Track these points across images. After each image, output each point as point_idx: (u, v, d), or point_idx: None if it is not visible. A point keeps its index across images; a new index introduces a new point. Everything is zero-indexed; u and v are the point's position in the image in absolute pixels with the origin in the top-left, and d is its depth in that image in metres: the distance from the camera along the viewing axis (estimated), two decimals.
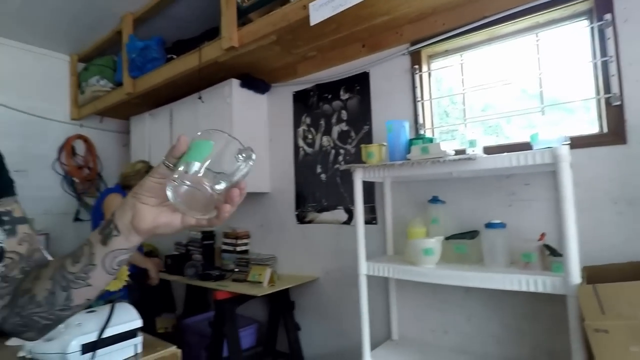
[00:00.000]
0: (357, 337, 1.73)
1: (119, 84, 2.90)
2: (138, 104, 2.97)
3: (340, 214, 2.18)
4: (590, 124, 1.54)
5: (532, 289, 1.28)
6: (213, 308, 2.78)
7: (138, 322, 1.07)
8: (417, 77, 1.88)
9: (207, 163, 0.47)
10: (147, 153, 2.98)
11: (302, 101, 2.40)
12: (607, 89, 1.41)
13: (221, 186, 0.48)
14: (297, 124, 2.43)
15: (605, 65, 1.42)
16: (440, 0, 1.68)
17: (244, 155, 0.49)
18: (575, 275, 1.22)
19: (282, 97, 2.51)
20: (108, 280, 0.56)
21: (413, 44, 1.90)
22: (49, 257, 0.63)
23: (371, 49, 2.05)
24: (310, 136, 2.35)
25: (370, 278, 1.67)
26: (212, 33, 2.38)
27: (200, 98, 2.44)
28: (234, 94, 2.39)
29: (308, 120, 2.37)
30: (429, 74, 1.92)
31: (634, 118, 1.36)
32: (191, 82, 2.50)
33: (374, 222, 2.01)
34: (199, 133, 0.50)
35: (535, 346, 1.53)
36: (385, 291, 1.94)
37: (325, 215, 2.25)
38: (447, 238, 1.61)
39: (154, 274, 2.38)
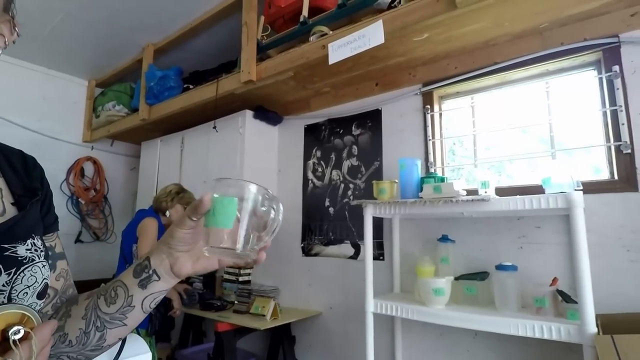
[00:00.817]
0: None
1: (134, 109, 2.97)
2: (151, 129, 3.04)
3: (347, 248, 2.16)
4: (595, 170, 1.56)
5: (546, 336, 1.25)
6: (209, 339, 2.70)
7: (148, 357, 1.04)
8: (428, 116, 1.93)
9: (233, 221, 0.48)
10: (156, 177, 3.01)
11: (314, 134, 2.45)
12: (617, 137, 1.45)
13: (256, 245, 0.49)
14: (307, 156, 2.46)
15: (615, 113, 1.46)
16: (453, 46, 1.76)
17: (274, 206, 0.50)
18: (592, 324, 1.20)
19: (293, 130, 2.57)
20: (141, 320, 0.57)
21: (425, 84, 1.97)
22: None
23: (384, 88, 2.12)
24: (320, 169, 2.38)
25: (376, 316, 1.63)
26: (229, 66, 2.48)
27: (214, 127, 2.49)
28: (247, 125, 2.45)
29: (318, 154, 2.41)
30: (440, 114, 1.97)
31: None
32: (205, 112, 2.57)
33: (381, 258, 1.99)
34: (217, 181, 0.49)
35: None
36: (391, 330, 1.89)
37: (332, 249, 2.23)
38: (457, 278, 1.59)
39: (177, 304, 2.23)
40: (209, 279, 2.63)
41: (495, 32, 1.64)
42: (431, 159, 1.89)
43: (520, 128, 1.78)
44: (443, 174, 1.89)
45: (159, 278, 0.54)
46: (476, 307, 1.50)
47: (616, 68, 1.46)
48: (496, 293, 1.47)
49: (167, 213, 2.19)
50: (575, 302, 1.26)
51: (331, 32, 1.85)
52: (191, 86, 2.60)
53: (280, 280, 2.45)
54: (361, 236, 2.05)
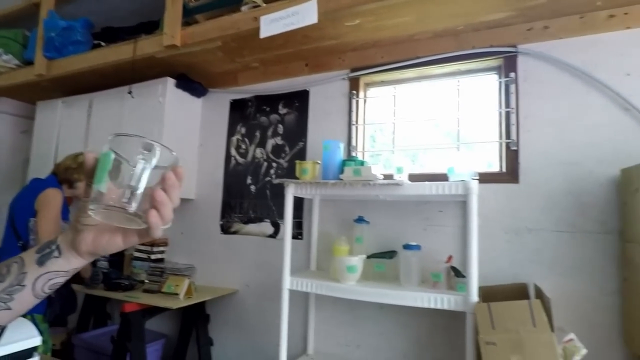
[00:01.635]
0: (272, 352, 1.71)
1: (28, 62, 2.55)
2: (49, 88, 2.64)
3: (266, 227, 2.17)
4: (489, 164, 1.79)
5: (439, 306, 1.42)
6: (115, 322, 2.52)
7: (35, 341, 0.92)
8: (354, 101, 2.00)
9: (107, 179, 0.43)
10: (55, 144, 2.65)
11: (239, 110, 2.37)
12: (508, 135, 1.66)
13: (130, 198, 0.43)
14: (231, 132, 2.38)
15: (508, 115, 1.67)
16: (381, 35, 1.83)
17: (143, 152, 0.44)
18: (474, 295, 1.38)
19: (218, 104, 2.46)
20: (31, 305, 0.49)
21: (353, 70, 2.02)
22: None
23: (314, 69, 2.13)
24: (243, 146, 2.32)
25: (291, 292, 1.68)
26: (149, 26, 2.25)
27: (130, 93, 2.26)
28: (168, 94, 2.27)
29: (243, 130, 2.34)
30: (365, 101, 2.05)
31: (525, 162, 1.62)
32: (119, 74, 2.31)
33: (299, 237, 2.04)
34: (112, 137, 0.45)
35: (435, 357, 1.68)
36: (305, 306, 1.96)
37: (251, 227, 2.22)
38: (369, 257, 1.70)
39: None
40: (117, 257, 2.43)
41: (419, 28, 1.74)
42: (354, 142, 1.97)
43: (433, 121, 1.94)
44: (364, 158, 1.99)
45: (60, 254, 0.48)
46: (384, 283, 1.63)
47: (512, 75, 1.66)
48: (402, 270, 1.61)
49: (76, 185, 1.93)
50: (464, 277, 1.45)
51: (264, 5, 1.78)
52: (103, 43, 2.31)
53: (196, 258, 2.37)
54: (281, 215, 2.07)
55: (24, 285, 0.47)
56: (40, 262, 0.47)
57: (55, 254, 0.48)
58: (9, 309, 0.47)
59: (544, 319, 1.21)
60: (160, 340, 2.30)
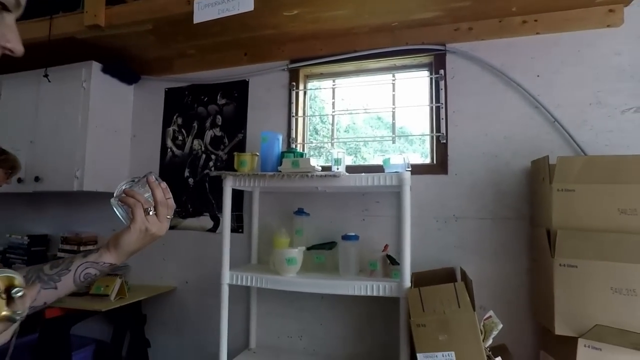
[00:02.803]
0: (214, 349, 1.67)
1: None
2: None
3: (206, 221, 2.10)
4: (424, 155, 1.89)
5: (375, 293, 1.47)
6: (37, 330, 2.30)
7: None
8: (293, 93, 1.99)
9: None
10: None
11: (175, 99, 2.25)
12: (438, 129, 1.76)
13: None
14: (167, 122, 2.26)
15: (438, 110, 1.77)
16: (321, 27, 1.83)
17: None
18: (407, 281, 1.46)
19: (152, 92, 2.31)
20: (71, 290, 0.64)
21: (293, 61, 2.00)
22: None
23: (253, 59, 2.08)
24: (180, 137, 2.21)
25: (232, 287, 1.65)
26: (67, 3, 2.03)
27: (46, 76, 2.03)
28: (94, 79, 2.08)
29: (180, 121, 2.23)
30: (305, 93, 2.05)
31: (453, 154, 1.73)
32: (33, 55, 2.06)
33: (240, 230, 2.00)
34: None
35: (373, 342, 1.75)
36: (247, 300, 1.94)
37: (190, 222, 2.13)
38: (309, 248, 1.72)
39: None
40: (36, 258, 2.21)
41: (356, 22, 1.77)
42: (293, 134, 1.97)
43: (374, 114, 2.00)
44: (303, 150, 1.99)
45: (97, 250, 0.67)
46: (323, 274, 1.66)
47: (442, 71, 1.76)
48: (340, 260, 1.65)
49: None
50: (399, 264, 1.52)
51: None
52: None
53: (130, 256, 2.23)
54: (221, 208, 2.00)
55: (69, 270, 0.64)
56: (84, 255, 0.66)
57: (95, 251, 0.67)
58: (55, 288, 0.63)
59: (467, 299, 1.31)
60: (89, 346, 2.14)
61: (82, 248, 2.21)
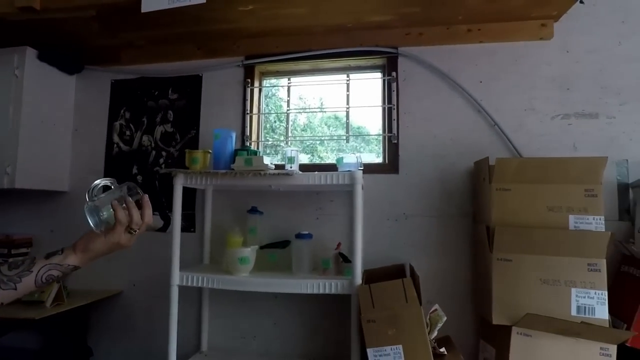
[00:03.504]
0: (163, 354, 1.60)
1: None
2: None
3: (156, 220, 2.01)
4: (378, 154, 1.94)
5: (327, 291, 1.49)
6: None
7: None
8: (248, 90, 1.96)
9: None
10: None
11: (123, 92, 2.13)
12: (390, 129, 1.82)
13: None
14: (113, 117, 2.13)
15: (390, 110, 1.83)
16: (277, 25, 1.81)
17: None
18: (359, 278, 1.49)
19: (97, 83, 2.17)
20: (30, 290, 0.67)
21: (248, 58, 1.97)
22: None
23: (207, 54, 2.02)
24: (128, 133, 2.10)
25: (183, 289, 1.59)
26: None
27: None
28: (28, 66, 1.91)
29: (127, 115, 2.11)
30: (260, 90, 2.03)
31: (404, 154, 1.79)
32: None
33: (191, 230, 1.94)
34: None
35: (326, 340, 1.78)
36: (198, 302, 1.88)
37: None
38: (262, 247, 1.70)
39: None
40: None
41: (312, 21, 1.77)
42: (247, 132, 1.94)
43: (328, 113, 2.02)
44: (258, 148, 1.97)
45: (62, 252, 0.70)
46: (277, 273, 1.65)
47: (394, 74, 1.82)
48: (294, 259, 1.65)
49: None
50: (350, 262, 1.54)
51: None
52: None
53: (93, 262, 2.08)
54: (171, 207, 1.93)
55: (31, 271, 0.66)
56: (47, 257, 0.69)
57: (59, 252, 0.70)
58: (15, 289, 0.66)
59: (414, 295, 1.37)
60: (22, 358, 1.97)
61: (13, 251, 2.03)
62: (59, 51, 2.04)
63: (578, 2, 1.57)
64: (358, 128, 2.00)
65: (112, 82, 2.15)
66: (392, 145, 1.80)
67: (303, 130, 2.15)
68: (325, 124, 2.21)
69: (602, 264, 1.27)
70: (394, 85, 1.81)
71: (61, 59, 2.06)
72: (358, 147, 2.03)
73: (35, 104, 1.94)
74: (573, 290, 1.28)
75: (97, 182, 0.75)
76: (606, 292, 1.26)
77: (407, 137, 1.79)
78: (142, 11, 1.57)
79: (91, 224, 0.71)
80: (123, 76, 2.14)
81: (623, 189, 1.60)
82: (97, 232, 0.70)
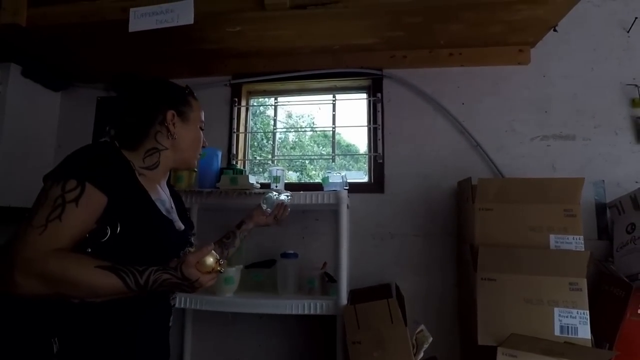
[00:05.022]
0: None
1: None
2: None
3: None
4: (365, 173, 1.96)
5: (312, 311, 1.47)
6: None
7: None
8: (235, 109, 1.97)
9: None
10: None
11: (109, 109, 2.12)
12: (376, 149, 1.84)
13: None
14: (98, 133, 2.11)
15: (375, 130, 1.86)
16: (264, 45, 1.84)
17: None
18: (344, 298, 1.47)
19: (82, 100, 2.15)
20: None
21: (235, 77, 1.99)
22: None
23: (194, 72, 2.03)
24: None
25: None
26: None
27: None
28: (12, 82, 1.90)
29: (112, 132, 2.09)
30: (247, 109, 2.04)
31: (389, 173, 1.81)
32: None
33: None
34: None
35: None
36: (181, 322, 1.83)
37: None
38: (247, 267, 1.68)
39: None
40: None
41: (299, 42, 1.81)
42: (234, 151, 1.94)
43: (317, 131, 2.04)
44: (244, 167, 1.97)
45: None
46: (262, 293, 1.63)
47: (379, 95, 1.86)
48: (279, 278, 1.63)
49: None
50: (336, 281, 1.53)
51: None
52: None
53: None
54: None
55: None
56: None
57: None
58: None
59: (399, 315, 1.36)
60: None
61: None
62: (44, 68, 2.03)
63: (552, 30, 1.65)
64: (347, 146, 2.03)
65: (98, 99, 2.14)
66: (377, 164, 1.82)
67: (292, 148, 2.17)
68: (315, 142, 2.23)
69: (583, 283, 1.29)
70: (379, 105, 1.85)
71: (46, 76, 2.05)
72: (346, 165, 2.05)
73: (17, 119, 1.91)
74: (556, 309, 1.29)
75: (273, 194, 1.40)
76: (588, 312, 1.28)
77: (393, 157, 1.82)
78: (130, 31, 1.58)
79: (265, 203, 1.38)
80: (109, 93, 2.13)
81: (601, 208, 1.64)
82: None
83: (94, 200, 0.80)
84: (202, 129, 1.07)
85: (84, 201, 0.78)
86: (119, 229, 0.81)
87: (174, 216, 1.01)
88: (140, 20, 1.60)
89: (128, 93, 1.05)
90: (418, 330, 1.45)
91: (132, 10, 1.59)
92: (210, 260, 0.83)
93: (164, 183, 1.04)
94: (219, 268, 0.84)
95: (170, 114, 0.98)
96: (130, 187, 0.87)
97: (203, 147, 1.09)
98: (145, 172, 0.94)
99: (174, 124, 0.98)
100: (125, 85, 1.08)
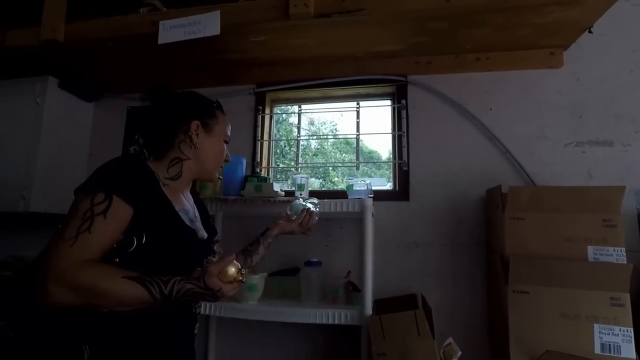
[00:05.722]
0: None
1: None
2: None
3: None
4: (389, 178, 1.93)
5: (337, 321, 1.45)
6: None
7: None
8: (259, 117, 1.99)
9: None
10: None
11: (138, 119, 2.19)
12: (400, 156, 1.81)
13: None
14: (128, 142, 2.18)
15: (400, 137, 1.83)
16: (288, 54, 1.85)
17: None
18: (369, 308, 1.45)
19: (113, 110, 2.24)
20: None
21: (259, 85, 2.02)
22: None
23: (220, 82, 2.07)
24: (142, 158, 2.14)
25: None
26: (16, 12, 1.96)
27: None
28: (49, 95, 1.99)
29: (141, 141, 2.16)
30: (271, 117, 2.06)
31: (415, 181, 1.78)
32: None
33: None
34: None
35: None
36: (205, 328, 1.84)
37: None
38: (271, 274, 1.68)
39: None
40: None
41: (322, 51, 1.81)
42: (258, 158, 1.95)
43: (340, 138, 2.03)
44: (268, 174, 1.98)
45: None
46: (285, 301, 1.62)
47: (403, 101, 1.83)
48: (302, 287, 1.62)
49: None
50: (360, 291, 1.51)
51: (164, 9, 1.69)
52: None
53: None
54: None
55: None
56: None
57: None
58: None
59: (427, 327, 1.32)
60: None
61: None
62: (78, 80, 2.12)
63: (587, 31, 1.58)
64: (370, 153, 2.00)
65: (128, 109, 2.21)
66: (402, 172, 1.79)
67: (314, 155, 2.17)
68: (337, 149, 2.22)
69: (626, 298, 1.21)
70: (403, 112, 1.82)
71: (81, 87, 2.14)
72: (369, 172, 2.03)
73: (54, 129, 2.00)
74: (596, 326, 1.22)
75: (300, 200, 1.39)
76: (632, 329, 1.20)
77: (418, 164, 1.78)
78: (159, 43, 1.63)
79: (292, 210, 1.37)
80: (139, 103, 2.20)
81: None
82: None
83: (121, 212, 0.82)
84: (226, 142, 1.08)
85: (111, 213, 0.80)
86: (144, 239, 0.83)
87: (198, 225, 1.01)
88: (169, 33, 1.65)
89: (159, 103, 1.08)
90: (446, 343, 1.41)
91: (161, 23, 1.64)
92: (232, 270, 0.83)
93: (187, 192, 1.05)
94: (240, 278, 0.84)
95: (194, 124, 0.99)
96: (155, 198, 0.88)
97: (225, 161, 1.09)
98: (169, 183, 0.95)
99: (197, 134, 1.00)
100: (158, 97, 1.10)
